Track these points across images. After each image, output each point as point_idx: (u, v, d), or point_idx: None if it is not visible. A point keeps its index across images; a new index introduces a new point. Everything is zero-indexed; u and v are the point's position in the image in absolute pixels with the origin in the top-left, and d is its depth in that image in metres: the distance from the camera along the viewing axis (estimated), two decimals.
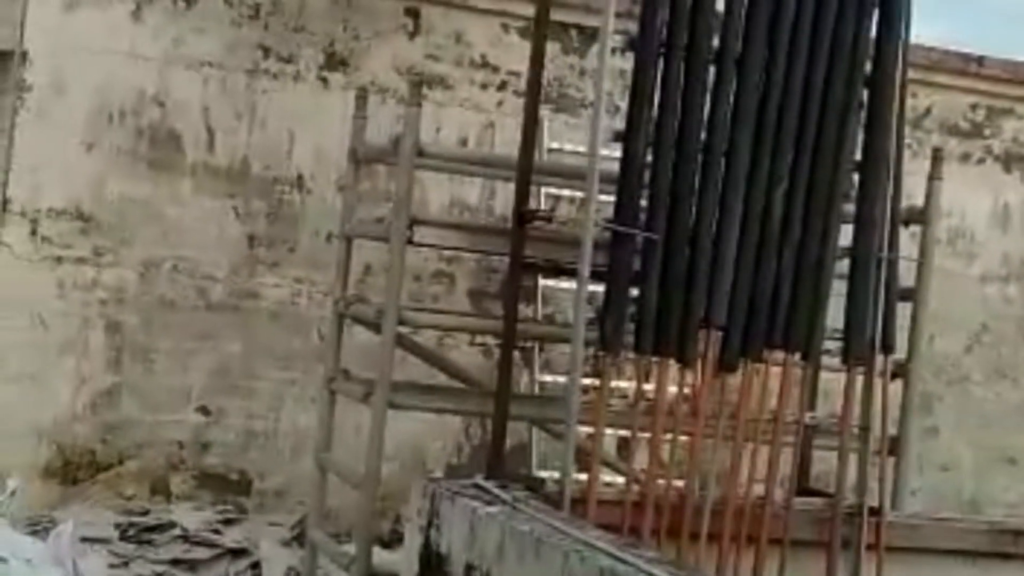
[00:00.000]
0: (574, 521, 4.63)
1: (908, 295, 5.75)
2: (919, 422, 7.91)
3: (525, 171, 5.60)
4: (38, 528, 6.76)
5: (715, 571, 5.06)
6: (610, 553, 4.01)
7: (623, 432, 5.86)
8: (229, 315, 7.51)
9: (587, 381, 5.81)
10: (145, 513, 7.22)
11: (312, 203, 7.64)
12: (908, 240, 6.05)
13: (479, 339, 7.72)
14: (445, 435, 7.86)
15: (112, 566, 6.59)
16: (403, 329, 6.25)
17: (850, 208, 5.52)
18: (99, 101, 7.27)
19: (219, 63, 7.42)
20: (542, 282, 7.64)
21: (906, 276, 5.89)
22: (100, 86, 7.27)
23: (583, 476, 5.39)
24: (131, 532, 7.03)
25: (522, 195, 5.64)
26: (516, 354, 7.37)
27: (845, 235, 5.55)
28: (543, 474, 6.48)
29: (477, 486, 4.97)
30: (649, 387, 5.40)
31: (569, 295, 6.50)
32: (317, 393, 6.88)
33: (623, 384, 6.01)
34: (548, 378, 7.57)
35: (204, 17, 7.39)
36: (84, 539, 6.63)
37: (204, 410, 7.51)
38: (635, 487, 5.28)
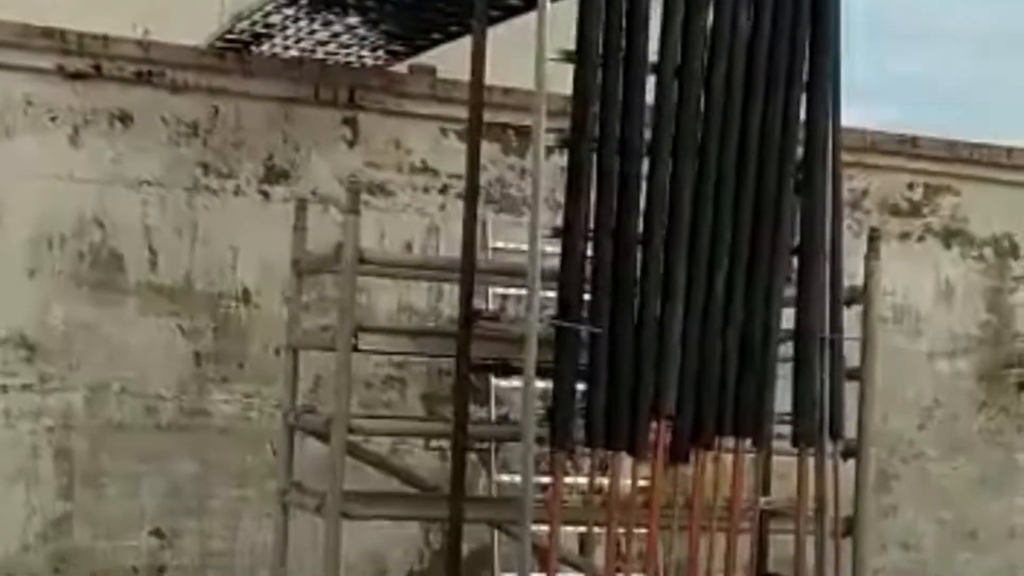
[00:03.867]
0: None
1: (855, 375, 5.78)
2: (877, 501, 7.92)
3: (468, 272, 5.62)
4: None
5: None
6: None
7: (581, 528, 5.82)
8: (180, 434, 7.43)
9: (545, 479, 5.79)
10: None
11: (259, 317, 7.61)
12: (855, 320, 6.11)
13: (434, 443, 7.67)
14: (405, 542, 7.77)
15: None
16: (355, 438, 6.21)
17: (791, 291, 5.56)
18: (39, 227, 7.24)
19: (158, 182, 7.43)
20: (494, 382, 7.64)
21: (856, 356, 5.93)
22: (40, 212, 7.24)
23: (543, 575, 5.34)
24: None
25: (466, 296, 5.66)
26: (473, 456, 7.37)
27: (788, 319, 5.59)
28: None
29: None
30: (604, 481, 5.38)
31: (520, 394, 6.49)
32: (272, 509, 6.80)
33: (580, 480, 5.98)
34: (506, 478, 7.53)
35: (141, 137, 7.40)
36: None
37: (158, 533, 7.40)
38: None
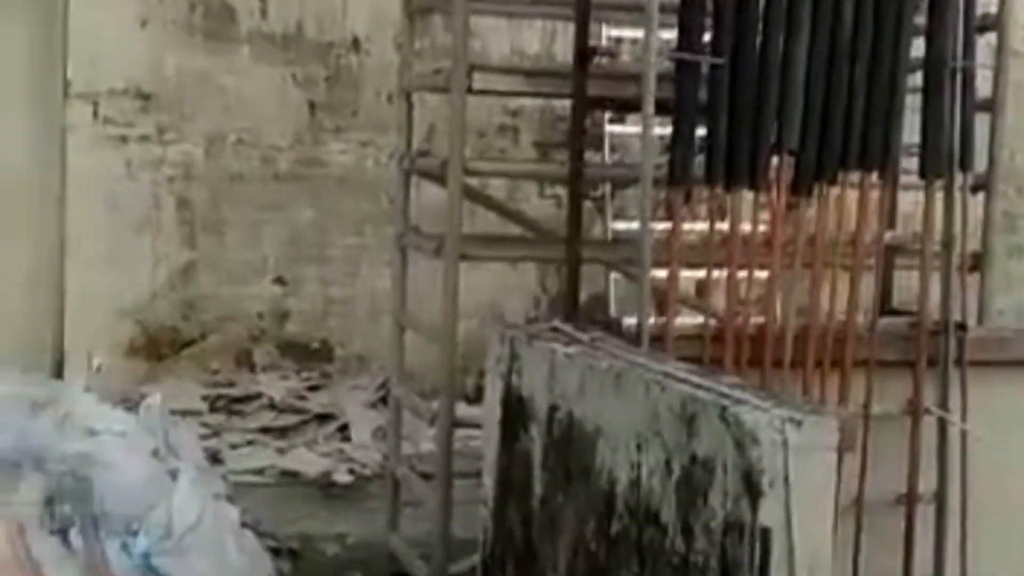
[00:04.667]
0: (654, 355, 4.57)
1: (987, 106, 5.55)
2: (1003, 240, 7.75)
3: (584, 5, 5.45)
4: (128, 403, 6.86)
5: (801, 395, 4.99)
6: (691, 381, 3.95)
7: (700, 273, 5.76)
8: (297, 184, 7.50)
9: (661, 226, 5.71)
10: (231, 385, 7.32)
11: (371, 64, 7.55)
12: (988, 51, 5.84)
13: (548, 191, 7.64)
14: (522, 289, 7.85)
15: (203, 436, 6.69)
16: (471, 181, 6.18)
17: (922, 19, 5.31)
18: None
19: None
20: (608, 128, 7.54)
21: (988, 88, 5.69)
22: None
23: (661, 319, 5.31)
24: (220, 404, 7.13)
25: (582, 31, 5.49)
26: (588, 203, 7.33)
27: (918, 48, 5.35)
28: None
29: (555, 329, 4.92)
30: (723, 226, 5.29)
31: (637, 140, 6.38)
32: (390, 256, 6.85)
33: (697, 227, 5.90)
34: (621, 225, 7.50)
35: None
36: (174, 412, 6.72)
37: (280, 280, 7.54)
38: (713, 322, 5.19)
